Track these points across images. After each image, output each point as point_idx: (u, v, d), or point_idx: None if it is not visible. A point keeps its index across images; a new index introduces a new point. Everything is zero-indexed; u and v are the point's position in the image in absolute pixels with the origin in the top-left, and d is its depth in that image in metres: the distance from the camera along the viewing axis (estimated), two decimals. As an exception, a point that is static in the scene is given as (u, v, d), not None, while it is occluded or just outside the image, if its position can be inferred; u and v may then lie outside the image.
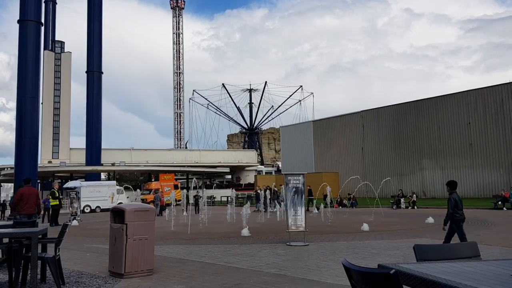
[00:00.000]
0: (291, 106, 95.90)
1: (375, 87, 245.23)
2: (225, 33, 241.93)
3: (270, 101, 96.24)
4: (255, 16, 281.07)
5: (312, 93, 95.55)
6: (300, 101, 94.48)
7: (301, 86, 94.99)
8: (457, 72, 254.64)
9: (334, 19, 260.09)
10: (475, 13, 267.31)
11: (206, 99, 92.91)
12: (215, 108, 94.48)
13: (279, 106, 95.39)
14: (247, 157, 79.98)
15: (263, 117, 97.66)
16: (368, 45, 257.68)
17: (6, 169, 58.01)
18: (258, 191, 31.44)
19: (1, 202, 42.53)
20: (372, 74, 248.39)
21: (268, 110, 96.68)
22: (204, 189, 30.25)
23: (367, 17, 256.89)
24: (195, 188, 28.83)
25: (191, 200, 30.14)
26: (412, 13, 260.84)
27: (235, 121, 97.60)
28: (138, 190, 46.81)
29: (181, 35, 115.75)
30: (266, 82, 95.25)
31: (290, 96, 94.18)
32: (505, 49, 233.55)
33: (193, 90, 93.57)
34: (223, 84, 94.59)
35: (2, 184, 69.19)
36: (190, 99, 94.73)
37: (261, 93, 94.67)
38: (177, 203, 32.45)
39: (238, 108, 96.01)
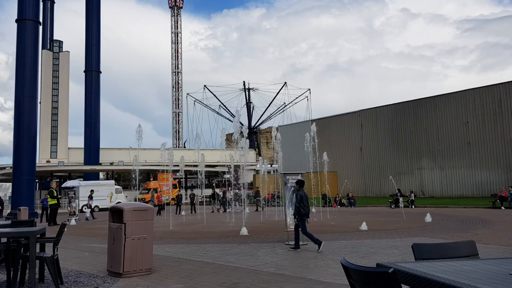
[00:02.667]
0: (294, 102, 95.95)
1: (372, 87, 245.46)
2: (222, 33, 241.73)
3: (268, 101, 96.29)
4: (252, 15, 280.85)
5: (309, 89, 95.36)
6: (285, 103, 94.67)
7: (309, 89, 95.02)
8: (454, 72, 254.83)
9: (331, 19, 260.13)
10: (471, 13, 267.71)
11: (200, 101, 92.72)
12: (211, 107, 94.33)
13: (269, 105, 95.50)
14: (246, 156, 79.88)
15: (260, 117, 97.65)
16: (365, 44, 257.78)
17: (6, 168, 57.87)
18: (219, 192, 32.43)
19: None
20: (369, 74, 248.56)
21: (264, 111, 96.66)
22: (204, 188, 30.27)
23: (364, 17, 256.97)
24: (192, 187, 28.90)
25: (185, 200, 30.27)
26: (408, 13, 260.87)
27: (232, 116, 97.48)
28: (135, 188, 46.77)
29: (179, 34, 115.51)
30: (285, 83, 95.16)
31: (297, 97, 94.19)
32: (502, 49, 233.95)
33: (204, 85, 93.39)
34: (244, 82, 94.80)
35: (0, 183, 69.08)
36: (194, 101, 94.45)
37: (245, 93, 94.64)
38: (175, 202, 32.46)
39: (248, 106, 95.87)
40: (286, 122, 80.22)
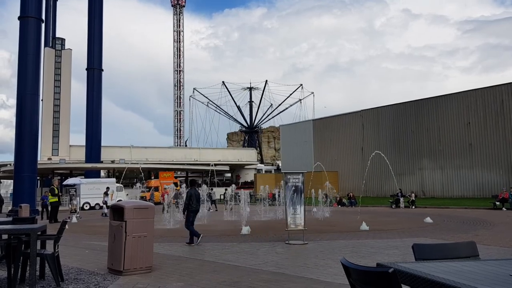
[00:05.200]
0: (291, 105, 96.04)
1: (372, 87, 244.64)
2: (223, 32, 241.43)
3: (271, 100, 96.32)
4: (253, 15, 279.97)
5: (313, 92, 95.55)
6: (300, 100, 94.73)
7: (312, 92, 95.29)
8: (454, 73, 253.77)
9: (332, 19, 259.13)
10: (472, 14, 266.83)
11: (206, 97, 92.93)
12: (215, 106, 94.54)
13: (279, 105, 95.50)
14: (247, 155, 79.96)
15: (263, 116, 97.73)
16: (366, 45, 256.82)
17: (8, 165, 58.01)
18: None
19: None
20: (369, 74, 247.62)
21: (268, 108, 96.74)
22: (206, 187, 30.29)
23: (365, 17, 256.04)
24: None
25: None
26: (410, 14, 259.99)
27: (235, 119, 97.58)
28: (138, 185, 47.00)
29: (181, 33, 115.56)
30: (301, 85, 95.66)
31: (290, 95, 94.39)
32: (502, 50, 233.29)
33: (222, 82, 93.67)
34: (266, 80, 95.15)
35: (1, 180, 69.18)
36: (190, 96, 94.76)
37: (262, 92, 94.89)
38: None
39: (238, 107, 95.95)
40: (290, 121, 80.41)
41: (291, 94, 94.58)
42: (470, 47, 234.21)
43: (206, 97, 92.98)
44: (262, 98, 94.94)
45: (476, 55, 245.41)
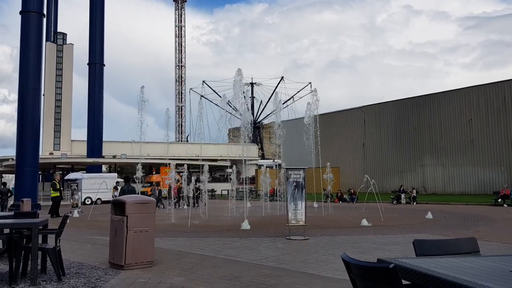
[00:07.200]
0: (286, 103, 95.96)
1: (373, 83, 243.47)
2: (224, 28, 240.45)
3: (277, 96, 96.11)
4: (254, 10, 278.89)
5: (313, 90, 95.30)
6: (293, 98, 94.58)
7: (314, 89, 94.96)
8: (456, 69, 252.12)
9: (333, 15, 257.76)
10: (474, 10, 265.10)
11: (213, 90, 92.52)
12: (213, 101, 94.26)
13: (286, 101, 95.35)
14: (248, 151, 79.96)
15: (261, 111, 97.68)
16: (367, 41, 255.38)
17: (9, 160, 58.07)
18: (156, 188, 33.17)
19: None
20: (370, 70, 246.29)
21: (260, 105, 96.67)
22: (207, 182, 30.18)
23: (366, 13, 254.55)
24: (196, 180, 29.01)
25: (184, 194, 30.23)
26: (411, 10, 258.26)
27: (235, 115, 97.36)
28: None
29: (183, 28, 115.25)
30: (310, 83, 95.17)
31: (299, 91, 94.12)
32: (504, 47, 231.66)
33: (203, 81, 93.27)
34: (282, 77, 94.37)
35: (3, 175, 69.34)
36: (190, 89, 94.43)
37: (274, 88, 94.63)
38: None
39: (250, 103, 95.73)
40: (289, 117, 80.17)
41: (299, 91, 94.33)
42: (472, 43, 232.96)
43: (213, 90, 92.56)
44: (274, 94, 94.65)
45: (477, 52, 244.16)
